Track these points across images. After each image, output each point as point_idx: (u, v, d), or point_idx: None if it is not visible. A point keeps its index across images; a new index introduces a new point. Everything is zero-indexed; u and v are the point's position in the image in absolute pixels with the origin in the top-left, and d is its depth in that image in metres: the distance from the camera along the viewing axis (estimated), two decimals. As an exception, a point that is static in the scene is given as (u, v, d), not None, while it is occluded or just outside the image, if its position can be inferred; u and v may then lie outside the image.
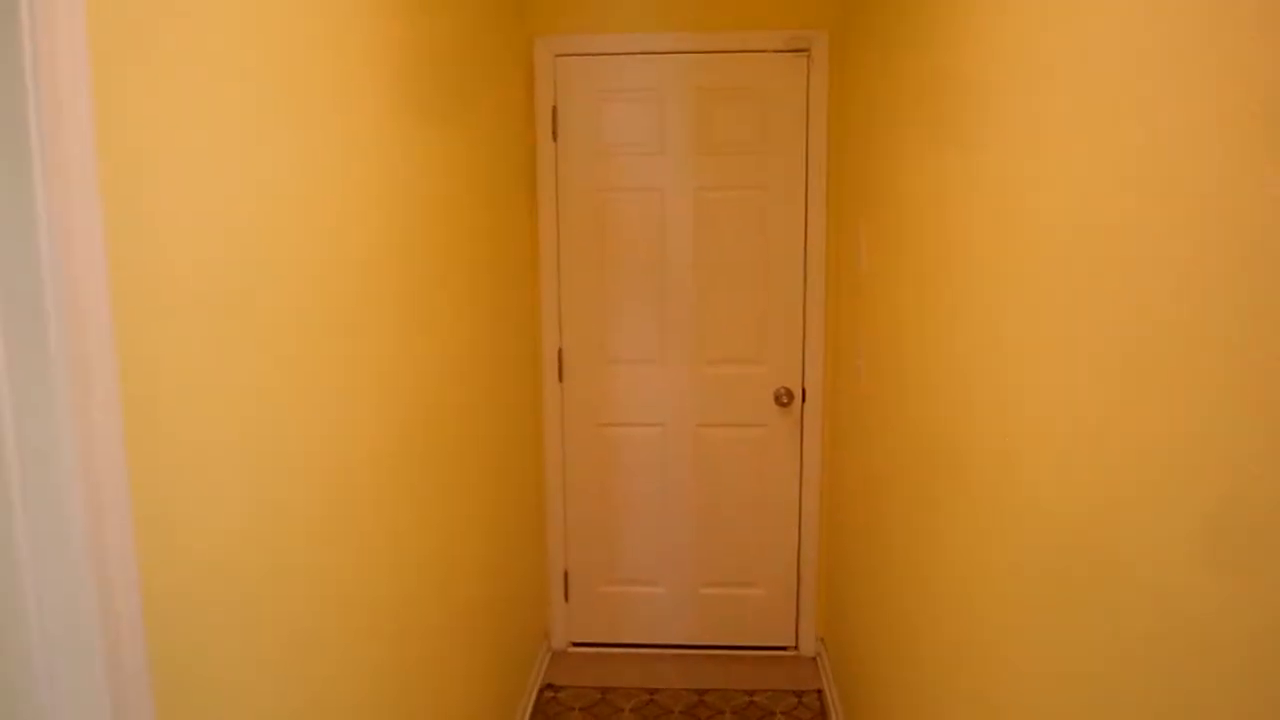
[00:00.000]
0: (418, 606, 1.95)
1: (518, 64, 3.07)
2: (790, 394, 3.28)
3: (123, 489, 0.91)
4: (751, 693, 3.23)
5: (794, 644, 3.45)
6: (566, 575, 3.46)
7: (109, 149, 0.92)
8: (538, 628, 3.37)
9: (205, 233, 1.12)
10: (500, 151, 2.76)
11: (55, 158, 0.82)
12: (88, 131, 0.86)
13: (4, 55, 0.79)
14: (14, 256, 0.82)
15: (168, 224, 1.04)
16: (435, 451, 2.08)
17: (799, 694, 3.22)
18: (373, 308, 1.69)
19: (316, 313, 1.45)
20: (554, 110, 3.19)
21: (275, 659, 1.31)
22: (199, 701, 1.10)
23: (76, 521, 0.86)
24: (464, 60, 2.34)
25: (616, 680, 3.30)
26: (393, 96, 1.80)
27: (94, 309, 0.87)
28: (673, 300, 3.27)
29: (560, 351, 3.32)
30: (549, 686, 3.27)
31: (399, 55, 1.83)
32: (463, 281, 2.32)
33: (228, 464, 1.17)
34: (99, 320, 0.88)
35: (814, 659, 3.41)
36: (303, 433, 1.40)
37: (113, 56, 0.94)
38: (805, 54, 3.10)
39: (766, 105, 3.15)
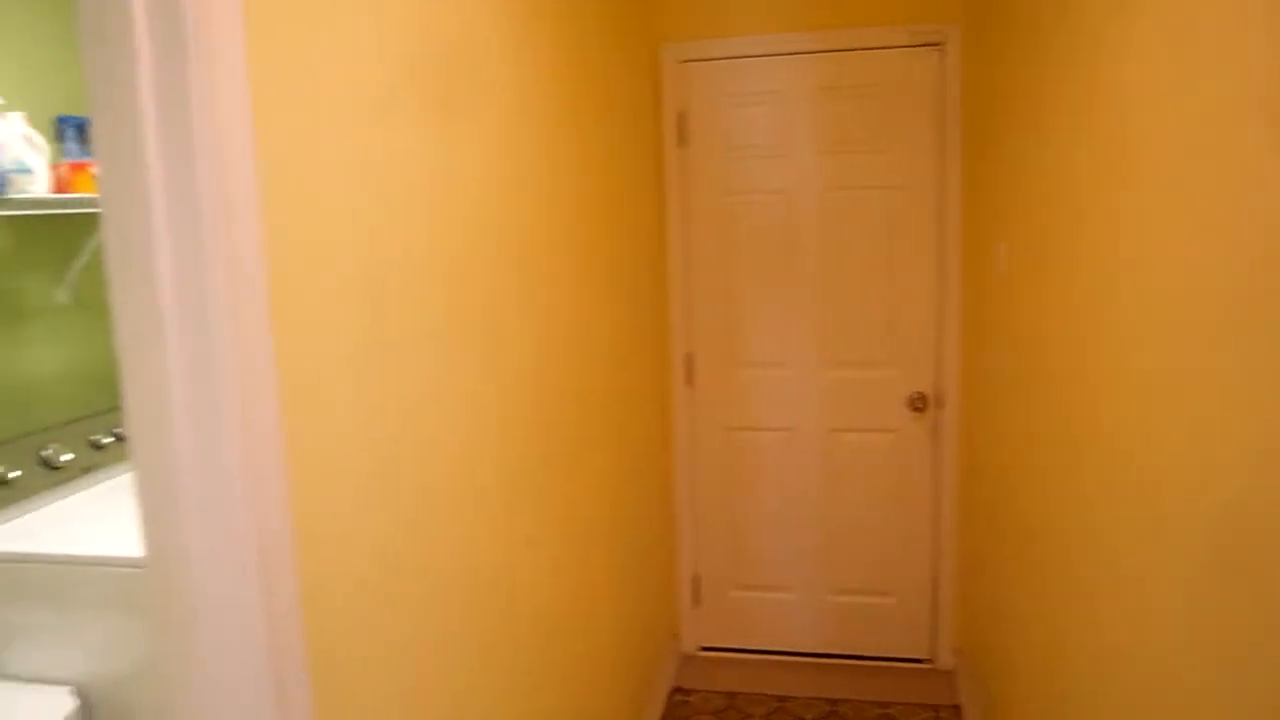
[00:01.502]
0: (551, 606, 1.99)
1: (645, 71, 3.10)
2: (925, 399, 3.19)
3: (280, 467, 0.97)
4: (885, 705, 3.16)
5: (929, 656, 3.35)
6: (696, 579, 3.46)
7: (268, 165, 0.98)
8: (667, 631, 3.38)
9: (350, 232, 1.18)
10: (629, 158, 2.79)
11: (221, 184, 0.88)
12: (248, 148, 0.92)
13: (172, 84, 0.85)
14: (185, 264, 0.88)
15: (319, 230, 1.10)
16: (566, 452, 2.12)
17: (935, 709, 3.13)
18: (509, 311, 1.74)
19: (456, 319, 1.50)
20: (681, 116, 3.21)
21: (417, 656, 1.36)
22: (346, 679, 1.16)
23: (241, 513, 0.92)
24: (593, 69, 2.38)
25: (745, 686, 3.28)
26: (525, 104, 1.85)
27: (254, 312, 0.93)
28: (801, 303, 3.23)
29: (689, 355, 3.33)
30: (679, 690, 3.28)
31: (533, 66, 1.88)
32: (595, 283, 2.36)
33: (370, 460, 1.23)
34: (259, 324, 0.93)
35: (951, 673, 3.30)
36: (437, 434, 1.45)
37: (271, 83, 1.00)
38: (937, 48, 3.02)
39: (893, 103, 3.08)
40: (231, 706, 0.94)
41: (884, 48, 3.06)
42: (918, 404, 3.19)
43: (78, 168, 2.48)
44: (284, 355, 0.99)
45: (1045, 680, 2.03)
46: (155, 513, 0.92)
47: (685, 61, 3.18)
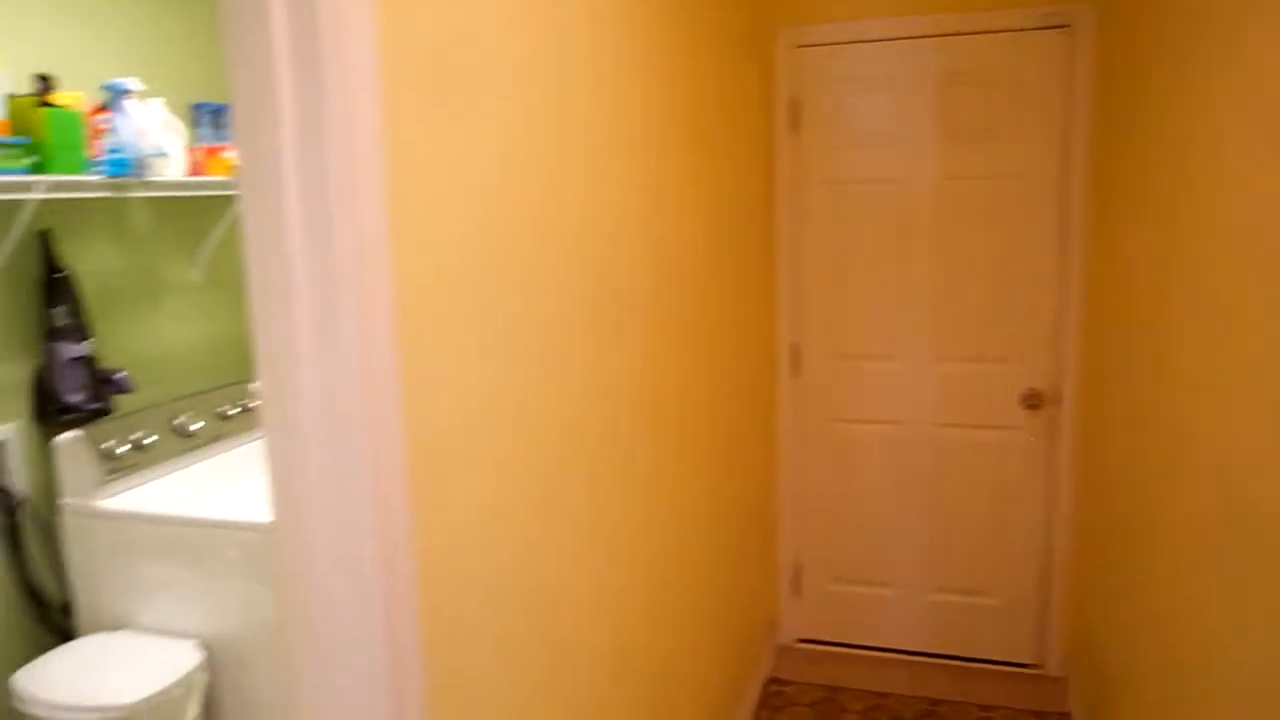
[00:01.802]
0: (652, 590, 2.01)
1: (757, 57, 3.07)
2: (1040, 395, 3.08)
3: (399, 436, 1.00)
4: (988, 708, 3.08)
5: (1037, 661, 3.25)
6: (797, 570, 3.44)
7: (394, 147, 1.02)
8: (765, 621, 3.37)
9: (469, 210, 1.21)
10: (739, 145, 2.77)
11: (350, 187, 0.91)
12: (375, 131, 0.95)
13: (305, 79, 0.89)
14: (316, 263, 0.92)
15: (442, 209, 1.13)
16: (670, 439, 2.13)
17: (1042, 715, 3.03)
18: (618, 299, 1.75)
19: (568, 305, 1.52)
20: (793, 102, 3.17)
21: (520, 634, 1.39)
22: (460, 653, 1.19)
23: (367, 490, 0.95)
24: (706, 54, 2.38)
25: (843, 680, 3.25)
26: (637, 90, 1.86)
27: (378, 291, 0.96)
28: (912, 294, 3.16)
29: (795, 346, 3.30)
30: (775, 680, 3.27)
31: (652, 57, 1.89)
32: (702, 272, 2.36)
33: (487, 439, 1.26)
34: (382, 300, 0.97)
35: (1060, 679, 3.19)
36: (548, 416, 1.47)
37: (405, 97, 1.03)
38: (1064, 30, 2.90)
39: (1014, 88, 2.97)
40: (346, 662, 0.98)
41: (1006, 30, 2.95)
42: (1033, 401, 3.08)
43: (211, 152, 2.61)
44: (404, 330, 1.03)
45: (1161, 692, 1.94)
46: (283, 479, 0.96)
47: (800, 47, 3.14)
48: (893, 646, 3.37)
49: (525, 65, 1.36)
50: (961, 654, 3.31)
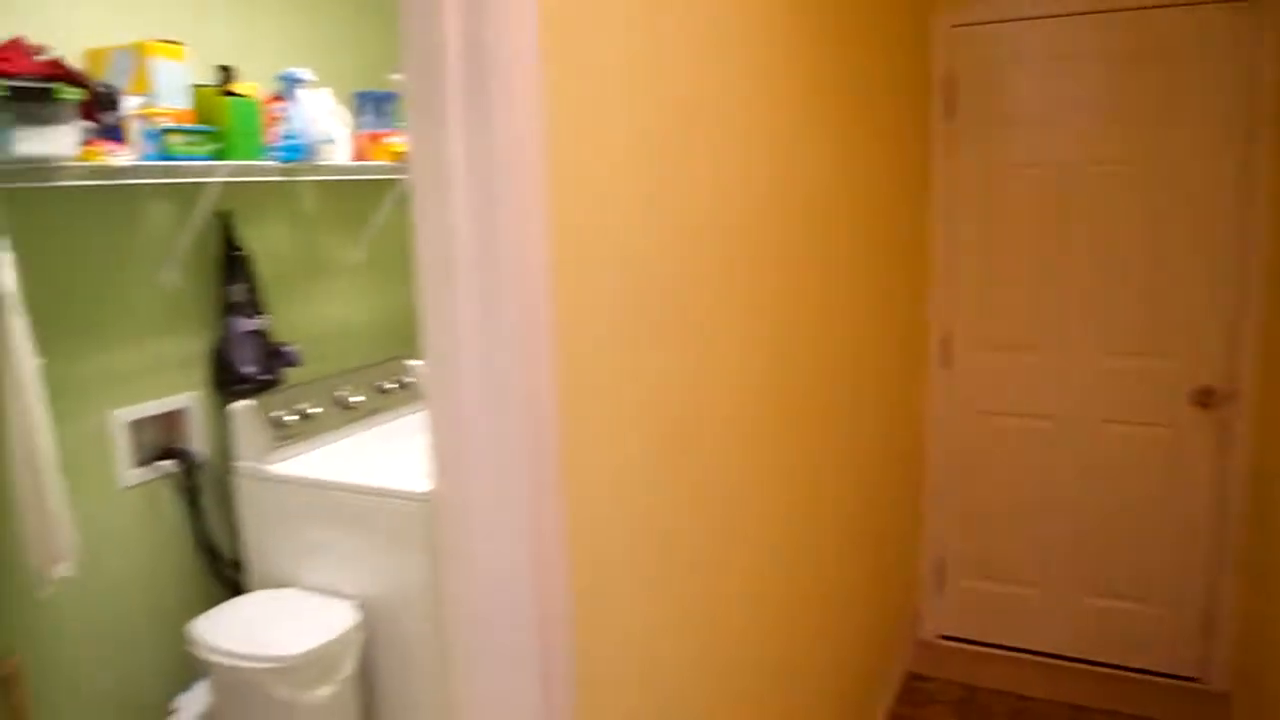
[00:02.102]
0: (795, 575, 2.00)
1: (912, 37, 2.98)
2: (1211, 393, 2.89)
3: (553, 412, 1.03)
4: (1143, 720, 2.92)
5: (1198, 675, 3.06)
6: (940, 566, 3.34)
7: (556, 136, 1.04)
8: (906, 615, 3.30)
9: (627, 200, 1.22)
10: (893, 128, 2.70)
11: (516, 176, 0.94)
12: (538, 122, 0.97)
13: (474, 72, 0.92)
14: (480, 222, 0.95)
15: (599, 195, 1.15)
16: (821, 425, 2.11)
17: (1204, 730, 2.85)
18: (776, 286, 1.74)
19: (721, 290, 1.52)
20: (948, 84, 3.07)
21: (661, 611, 1.41)
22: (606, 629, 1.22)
23: (522, 457, 0.98)
24: (859, 35, 2.32)
25: (984, 680, 3.15)
26: (802, 76, 1.83)
27: (536, 272, 0.99)
28: (1071, 284, 3.01)
29: (946, 335, 3.20)
30: (915, 676, 3.20)
31: (808, 37, 1.87)
32: (858, 260, 2.32)
33: (634, 416, 1.28)
34: (540, 282, 0.99)
35: (1224, 695, 2.99)
36: (701, 407, 1.48)
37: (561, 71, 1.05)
38: (1247, 5, 2.69)
39: (1188, 67, 2.78)
40: (497, 627, 1.01)
41: (1182, 4, 2.76)
42: (1203, 399, 2.89)
43: (374, 138, 2.73)
44: (559, 309, 1.05)
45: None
46: (444, 448, 1.01)
47: (957, 26, 3.03)
48: (1037, 649, 3.24)
49: (688, 49, 1.36)
50: (1112, 661, 3.15)
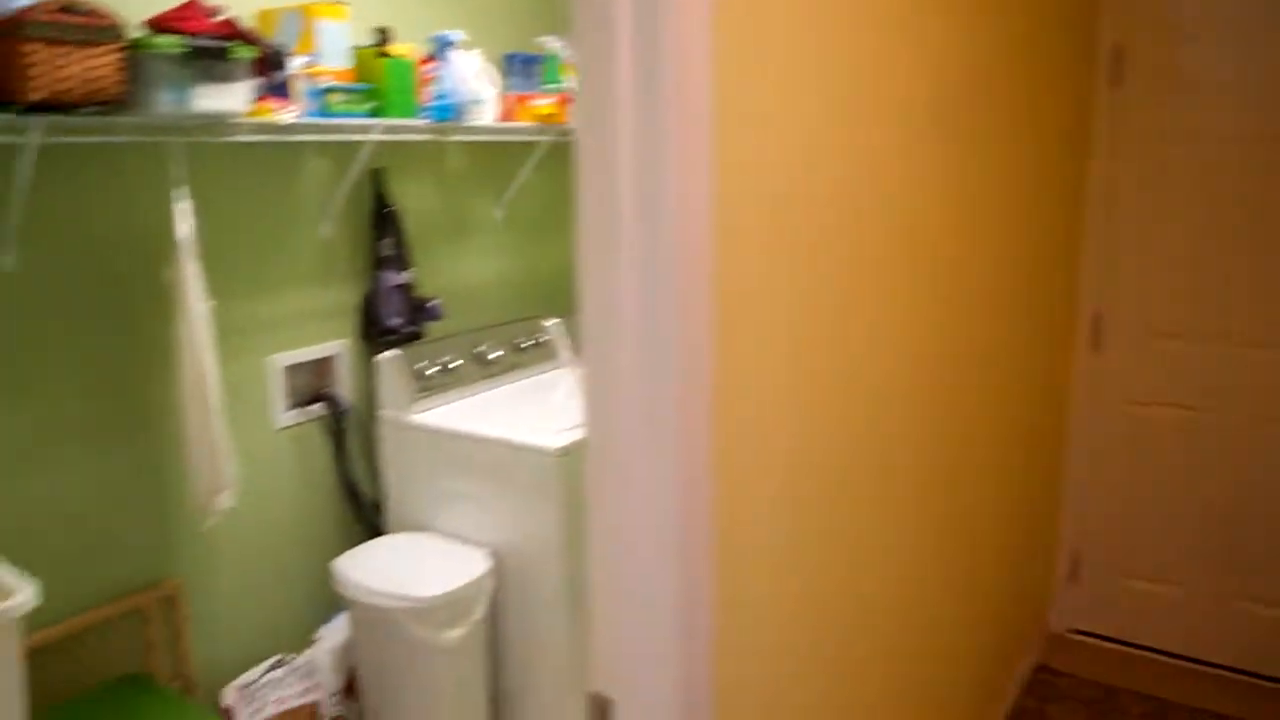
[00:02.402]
0: (929, 552, 1.96)
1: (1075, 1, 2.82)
2: (1396, 390, 2.66)
3: (708, 362, 1.03)
4: (1295, 734, 2.75)
5: (1362, 691, 2.85)
6: (1076, 557, 3.21)
7: (722, 104, 1.03)
8: (1037, 605, 3.19)
9: (785, 161, 1.21)
10: (1052, 97, 2.57)
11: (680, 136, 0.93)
12: (706, 86, 0.97)
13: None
14: (644, 183, 0.96)
15: (760, 183, 1.14)
16: (965, 406, 2.05)
17: (1363, 751, 2.66)
18: (924, 265, 1.70)
19: (868, 263, 1.49)
20: (1116, 51, 2.89)
21: (809, 571, 1.41)
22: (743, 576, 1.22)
23: (671, 393, 0.99)
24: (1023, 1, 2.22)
25: (1118, 679, 3.01)
26: (955, 41, 1.77)
27: (698, 236, 0.99)
28: (1237, 269, 2.81)
29: (1097, 316, 3.05)
30: (1044, 668, 3.09)
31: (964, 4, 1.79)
32: (1008, 238, 2.23)
33: (787, 386, 1.27)
34: (702, 244, 0.99)
35: (1390, 715, 2.79)
36: (849, 383, 1.46)
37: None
38: None
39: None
40: (643, 573, 1.03)
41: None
42: (1385, 396, 2.67)
43: (521, 100, 2.78)
44: (719, 270, 1.05)
45: None
46: (599, 398, 1.02)
47: (1127, -12, 2.86)
48: (1179, 652, 3.08)
49: (846, 25, 1.33)
50: (1265, 672, 2.97)
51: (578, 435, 2.28)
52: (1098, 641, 3.19)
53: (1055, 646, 3.19)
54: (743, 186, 1.13)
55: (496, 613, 2.38)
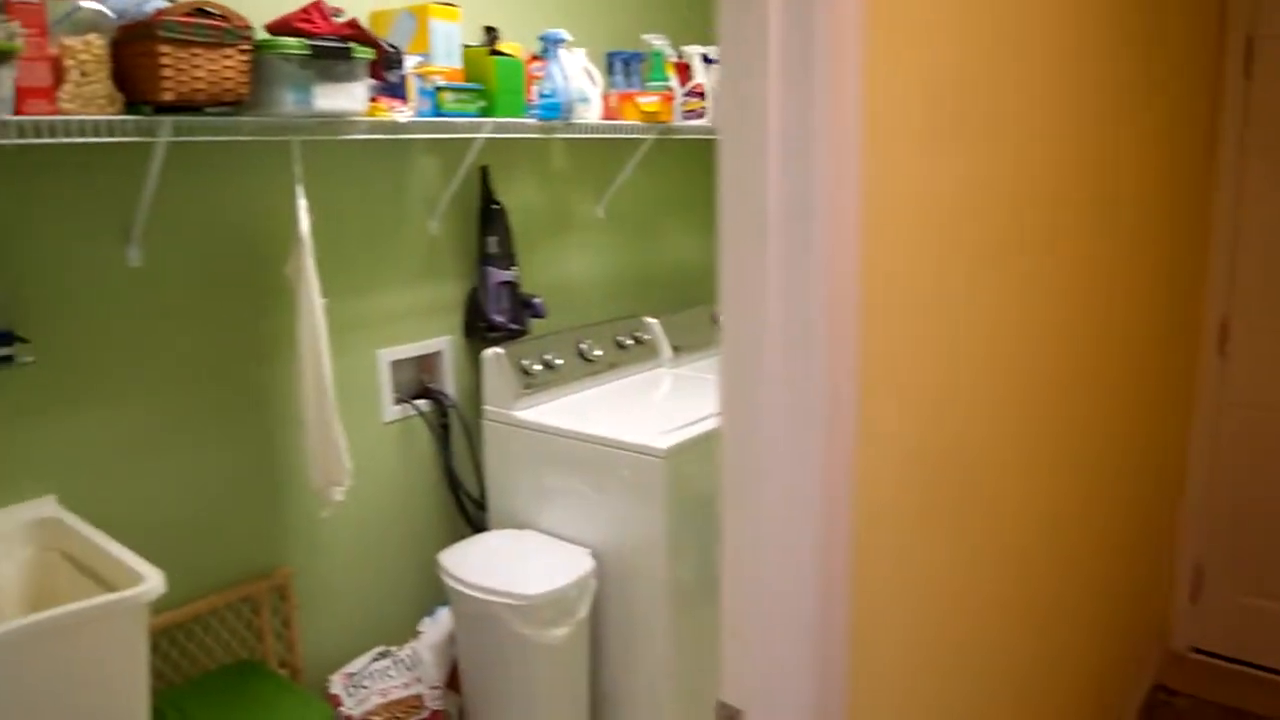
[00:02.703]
0: (1047, 563, 1.88)
1: (1211, -13, 2.68)
2: None
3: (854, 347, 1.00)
4: None
5: None
6: (1198, 573, 3.06)
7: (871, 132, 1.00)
8: (1155, 623, 3.05)
9: (934, 170, 1.16)
10: (1181, 88, 2.45)
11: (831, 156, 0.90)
12: (856, 83, 0.93)
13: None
14: (791, 182, 0.93)
15: (905, 170, 1.10)
16: (1086, 411, 1.96)
17: None
18: (1056, 266, 1.63)
19: (996, 253, 1.43)
20: (1249, 41, 2.74)
21: (937, 583, 1.36)
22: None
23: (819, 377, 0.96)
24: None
25: (1242, 703, 2.86)
26: (1089, 35, 1.69)
27: (847, 239, 0.95)
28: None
29: (1225, 318, 2.90)
30: (1163, 688, 2.95)
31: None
32: (1137, 235, 2.13)
33: (922, 398, 1.22)
34: (851, 247, 0.96)
35: None
36: (982, 392, 1.40)
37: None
38: None
39: None
40: (779, 581, 1.00)
41: None
42: None
43: (625, 98, 2.77)
44: (866, 271, 1.01)
45: None
46: (738, 400, 0.99)
47: (1262, -27, 2.70)
48: (1312, 676, 2.91)
49: (989, 15, 1.27)
50: None
51: (684, 436, 2.25)
52: (1221, 662, 3.04)
53: (1175, 666, 3.05)
54: (888, 183, 1.09)
55: (596, 614, 2.37)
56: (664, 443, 2.20)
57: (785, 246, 0.91)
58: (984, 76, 1.32)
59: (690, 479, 2.27)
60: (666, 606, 2.26)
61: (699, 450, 2.29)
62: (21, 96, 1.62)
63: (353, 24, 1.95)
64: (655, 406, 2.53)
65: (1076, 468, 1.97)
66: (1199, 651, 3.08)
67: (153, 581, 1.59)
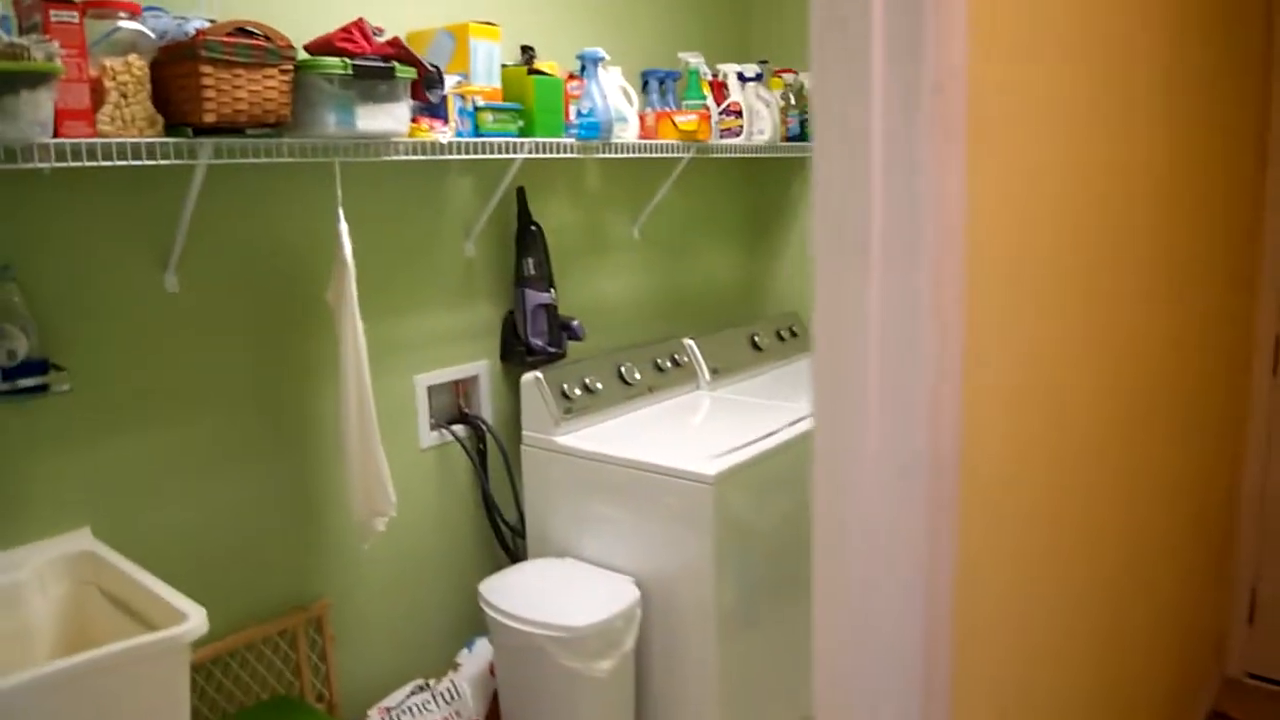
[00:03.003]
0: (1126, 585, 1.81)
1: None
2: None
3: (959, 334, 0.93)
4: None
5: None
6: (1255, 595, 2.97)
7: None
8: (1211, 646, 2.95)
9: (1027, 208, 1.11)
10: (1231, 92, 2.39)
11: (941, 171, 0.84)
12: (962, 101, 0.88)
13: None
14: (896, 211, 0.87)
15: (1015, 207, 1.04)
16: (1145, 428, 1.89)
17: None
18: (1124, 280, 1.56)
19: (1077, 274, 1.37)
20: (1300, 49, 2.68)
21: (1031, 587, 1.29)
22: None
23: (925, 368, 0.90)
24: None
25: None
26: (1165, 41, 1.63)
27: (952, 269, 0.89)
28: None
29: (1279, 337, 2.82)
30: (1219, 714, 2.85)
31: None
32: (1195, 249, 2.06)
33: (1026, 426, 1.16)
34: (956, 276, 0.90)
35: None
36: (1076, 415, 1.34)
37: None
38: None
39: None
40: (879, 603, 0.93)
41: None
42: None
43: (662, 116, 2.72)
44: (971, 298, 0.96)
45: None
46: (834, 420, 0.93)
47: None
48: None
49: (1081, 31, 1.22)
50: None
51: (732, 462, 2.19)
52: (1275, 688, 2.94)
53: (1231, 691, 2.95)
54: (992, 198, 1.03)
55: (641, 644, 2.30)
56: (712, 468, 2.14)
57: (888, 261, 0.85)
58: (1084, 87, 1.26)
59: (737, 505, 2.20)
60: (714, 636, 2.19)
61: (747, 476, 2.22)
62: (60, 118, 1.58)
63: (395, 43, 1.91)
64: (698, 431, 2.47)
65: (1154, 488, 1.90)
66: (1255, 677, 2.98)
67: (195, 620, 1.54)
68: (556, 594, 2.24)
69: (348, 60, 1.82)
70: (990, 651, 1.22)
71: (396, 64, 1.89)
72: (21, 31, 1.60)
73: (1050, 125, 1.21)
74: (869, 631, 0.95)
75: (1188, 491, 2.34)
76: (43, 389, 1.75)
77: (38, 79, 1.49)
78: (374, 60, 1.86)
